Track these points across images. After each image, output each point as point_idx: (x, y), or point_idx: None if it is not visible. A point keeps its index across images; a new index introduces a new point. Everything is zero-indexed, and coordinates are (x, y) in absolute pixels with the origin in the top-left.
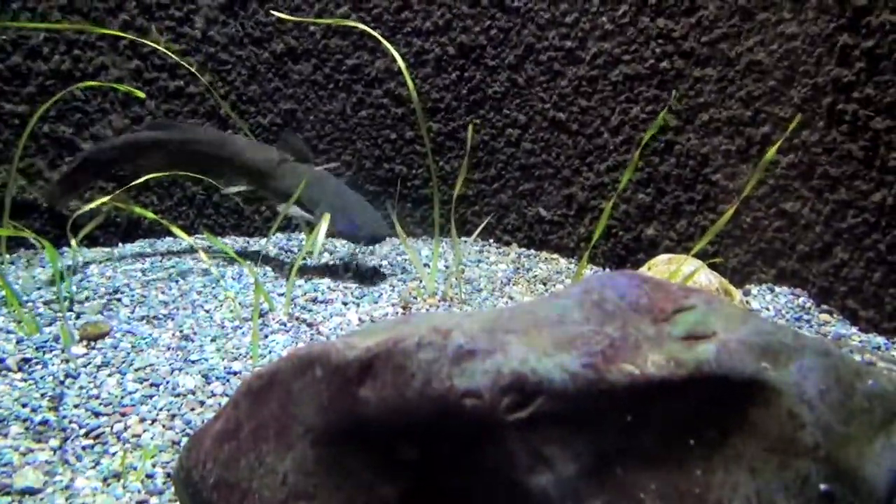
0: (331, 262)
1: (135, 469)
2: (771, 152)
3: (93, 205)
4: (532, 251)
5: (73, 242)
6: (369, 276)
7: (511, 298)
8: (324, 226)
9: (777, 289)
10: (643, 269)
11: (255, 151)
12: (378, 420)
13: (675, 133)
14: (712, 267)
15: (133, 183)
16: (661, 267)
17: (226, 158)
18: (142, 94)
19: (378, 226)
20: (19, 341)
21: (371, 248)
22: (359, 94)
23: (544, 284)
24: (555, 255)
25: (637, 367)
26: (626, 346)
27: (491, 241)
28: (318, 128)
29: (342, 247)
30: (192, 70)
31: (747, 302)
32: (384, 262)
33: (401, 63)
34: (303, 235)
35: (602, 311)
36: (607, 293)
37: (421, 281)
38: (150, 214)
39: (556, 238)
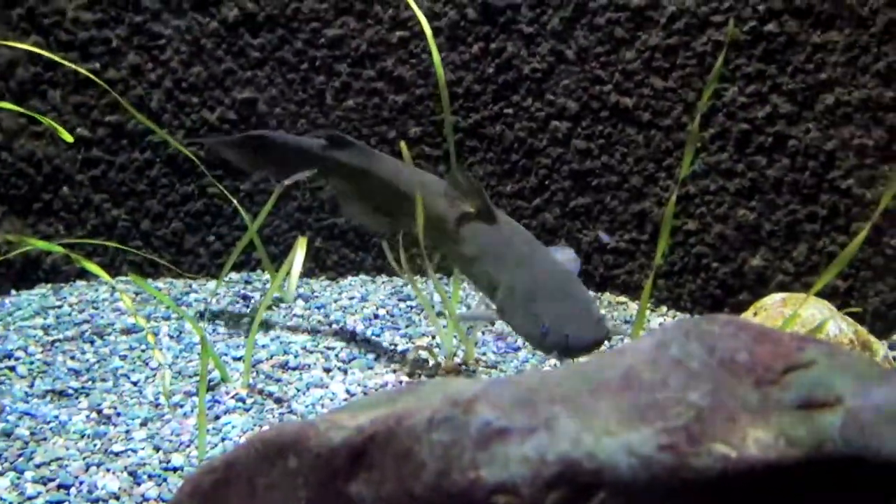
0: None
1: None
2: None
3: None
4: (590, 292)
5: None
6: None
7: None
8: (299, 254)
9: None
10: (748, 315)
11: (434, 192)
12: None
13: (788, 123)
14: (848, 312)
15: None
16: (773, 310)
17: (401, 196)
18: (68, 137)
19: (588, 326)
20: None
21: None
22: (343, 76)
23: (607, 339)
24: (622, 298)
25: (733, 447)
26: (719, 418)
27: None
28: (286, 124)
29: (320, 289)
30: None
31: (895, 359)
32: (380, 311)
33: (423, 21)
34: (267, 275)
35: (685, 372)
36: (692, 347)
37: (434, 337)
38: (57, 248)
39: (623, 274)
